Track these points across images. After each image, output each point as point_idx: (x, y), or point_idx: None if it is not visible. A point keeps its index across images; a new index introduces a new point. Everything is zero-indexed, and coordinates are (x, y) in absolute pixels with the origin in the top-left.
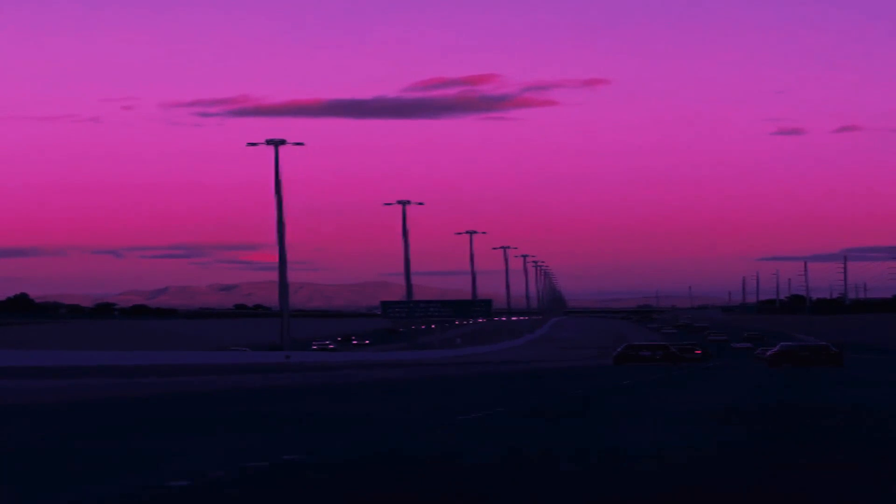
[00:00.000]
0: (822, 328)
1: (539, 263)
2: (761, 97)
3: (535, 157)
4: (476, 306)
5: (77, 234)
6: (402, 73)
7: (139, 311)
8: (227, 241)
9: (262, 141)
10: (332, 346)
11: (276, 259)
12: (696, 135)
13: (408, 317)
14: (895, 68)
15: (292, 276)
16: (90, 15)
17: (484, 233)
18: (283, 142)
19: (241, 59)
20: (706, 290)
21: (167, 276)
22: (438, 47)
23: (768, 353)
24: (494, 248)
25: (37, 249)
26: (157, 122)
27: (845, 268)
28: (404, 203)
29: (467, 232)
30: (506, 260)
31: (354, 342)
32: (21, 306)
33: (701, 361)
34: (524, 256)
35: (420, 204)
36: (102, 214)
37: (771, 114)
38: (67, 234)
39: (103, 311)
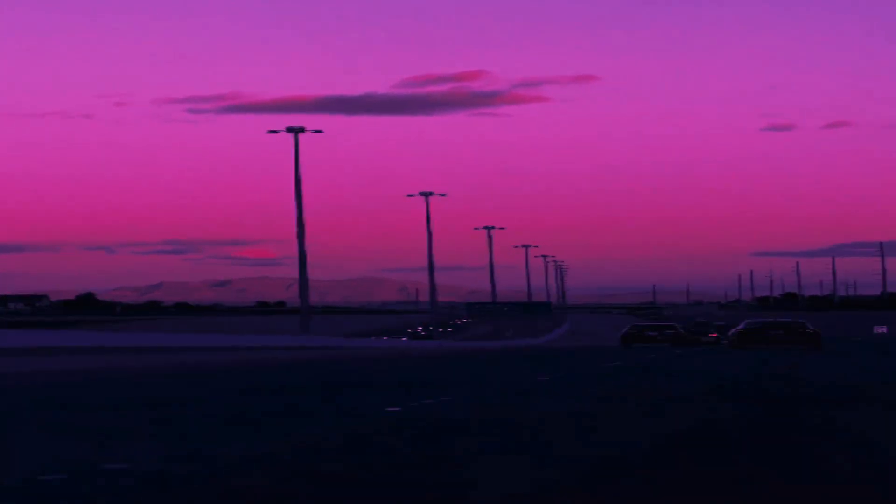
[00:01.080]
0: (814, 324)
1: (558, 262)
2: (752, 93)
3: (525, 154)
4: (540, 307)
5: (69, 230)
6: (391, 70)
7: (183, 308)
8: (219, 237)
9: (283, 129)
10: (423, 334)
11: (269, 254)
12: (687, 130)
13: (491, 314)
14: (885, 64)
15: (286, 271)
16: (82, 12)
17: (502, 228)
18: (302, 129)
19: (232, 55)
20: (701, 285)
21: (161, 272)
22: (428, 43)
23: (731, 331)
24: (516, 247)
25: (29, 245)
26: (150, 118)
27: (833, 265)
28: (427, 194)
29: (485, 227)
30: (527, 258)
31: (422, 333)
32: (88, 304)
33: (715, 344)
34: (543, 256)
35: (443, 195)
36: (95, 210)
37: (761, 110)
38: (59, 230)
39: (152, 308)
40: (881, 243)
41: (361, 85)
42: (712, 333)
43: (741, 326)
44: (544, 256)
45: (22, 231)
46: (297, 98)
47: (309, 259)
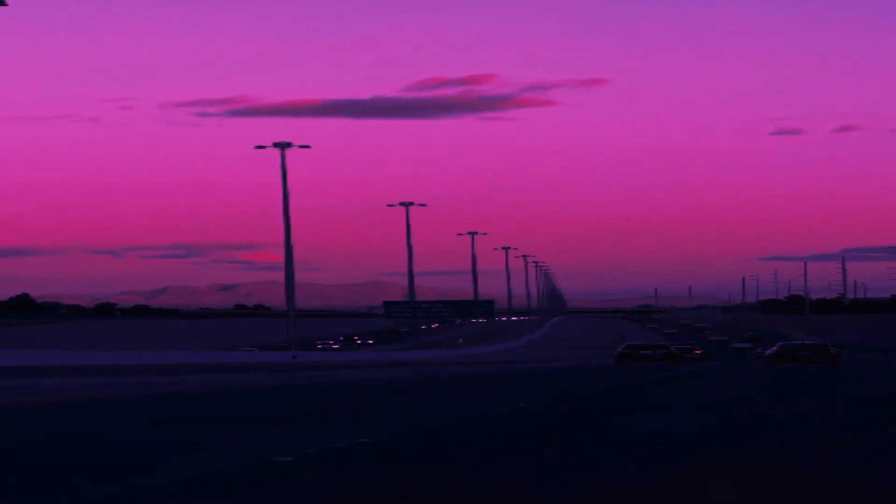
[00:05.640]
0: (822, 328)
1: (539, 263)
2: (760, 97)
3: (533, 158)
4: (478, 307)
5: (76, 234)
6: (400, 73)
7: (139, 311)
8: (226, 241)
9: (270, 144)
10: (336, 346)
11: (276, 259)
12: (695, 134)
13: (410, 317)
14: (894, 67)
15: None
16: (88, 14)
17: (485, 234)
18: (289, 144)
19: (240, 59)
20: (705, 289)
21: (167, 276)
22: (437, 47)
23: (766, 352)
24: (495, 249)
25: (36, 249)
26: (157, 122)
27: (844, 268)
28: (407, 205)
29: (469, 233)
30: (507, 261)
31: (358, 342)
32: (23, 307)
33: (701, 361)
34: (525, 257)
35: (423, 206)
36: (101, 214)
37: (770, 113)
38: (67, 234)
39: (104, 311)
40: None
41: (369, 88)
42: (696, 350)
43: (775, 348)
44: (525, 257)
45: (29, 235)
46: (305, 102)
47: (315, 262)
